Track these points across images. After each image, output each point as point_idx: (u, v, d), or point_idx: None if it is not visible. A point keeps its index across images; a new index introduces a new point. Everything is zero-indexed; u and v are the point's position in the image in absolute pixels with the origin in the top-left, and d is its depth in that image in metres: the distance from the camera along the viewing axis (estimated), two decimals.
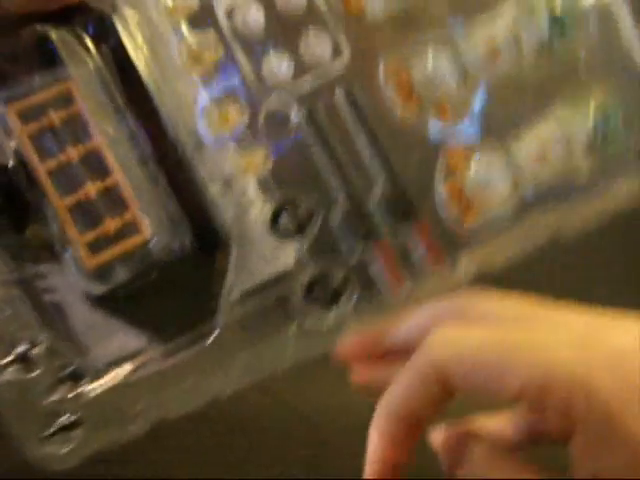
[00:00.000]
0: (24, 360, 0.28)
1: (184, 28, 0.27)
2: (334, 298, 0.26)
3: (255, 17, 0.27)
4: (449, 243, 0.26)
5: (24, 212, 0.28)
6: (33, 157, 0.27)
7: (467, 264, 0.26)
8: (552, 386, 0.17)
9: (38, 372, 0.27)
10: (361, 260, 0.26)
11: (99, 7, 0.28)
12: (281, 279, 0.27)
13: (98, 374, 0.28)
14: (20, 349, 0.27)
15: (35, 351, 0.27)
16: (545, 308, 0.20)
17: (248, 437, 0.27)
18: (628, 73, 0.25)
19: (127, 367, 0.28)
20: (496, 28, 0.26)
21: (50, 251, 0.28)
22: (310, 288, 0.27)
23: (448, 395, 0.20)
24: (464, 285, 0.26)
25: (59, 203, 0.27)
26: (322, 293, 0.27)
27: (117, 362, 0.28)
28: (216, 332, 0.28)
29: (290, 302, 0.27)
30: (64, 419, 0.27)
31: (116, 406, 0.28)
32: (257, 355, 0.27)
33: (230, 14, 0.27)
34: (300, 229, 0.27)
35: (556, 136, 0.25)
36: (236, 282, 0.28)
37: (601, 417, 0.17)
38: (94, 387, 0.27)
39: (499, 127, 0.26)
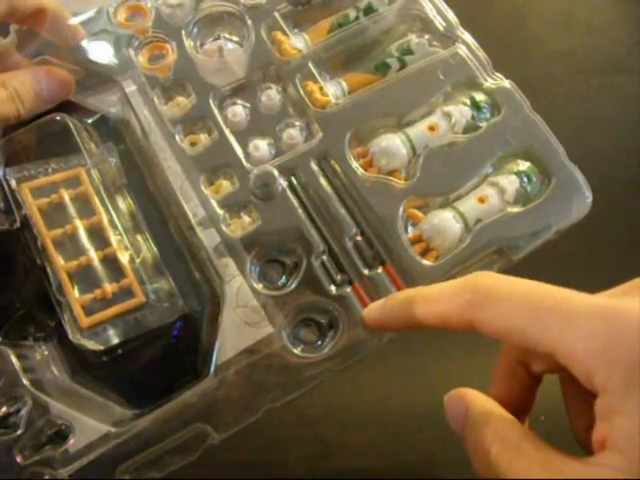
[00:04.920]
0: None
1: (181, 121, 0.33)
2: (322, 335, 0.29)
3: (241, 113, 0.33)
4: (416, 282, 0.30)
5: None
6: (41, 226, 0.30)
7: None
8: (577, 355, 0.18)
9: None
10: (343, 302, 0.29)
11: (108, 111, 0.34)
12: (269, 338, 0.29)
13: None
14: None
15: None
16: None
17: (249, 436, 0.27)
18: (537, 142, 0.32)
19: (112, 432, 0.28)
20: (433, 114, 0.33)
21: (37, 327, 0.30)
22: (298, 332, 0.30)
23: (469, 325, 0.20)
24: None
25: (61, 266, 0.29)
26: (310, 335, 0.29)
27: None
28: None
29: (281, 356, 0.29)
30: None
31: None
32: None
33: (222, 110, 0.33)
34: (287, 277, 0.30)
35: (491, 192, 0.31)
36: (225, 347, 0.29)
37: (621, 385, 0.18)
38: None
39: (442, 186, 0.32)
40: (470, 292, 0.21)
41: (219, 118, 0.32)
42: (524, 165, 0.32)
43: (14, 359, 0.28)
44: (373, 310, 0.26)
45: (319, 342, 0.29)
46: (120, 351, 0.29)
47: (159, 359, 0.30)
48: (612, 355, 0.18)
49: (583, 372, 0.19)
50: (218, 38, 0.35)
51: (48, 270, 0.29)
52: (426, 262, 0.30)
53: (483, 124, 0.32)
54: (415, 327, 0.23)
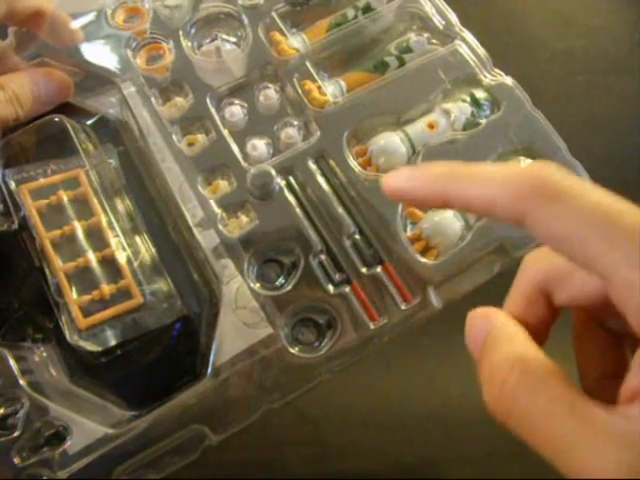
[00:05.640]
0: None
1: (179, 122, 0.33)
2: (321, 335, 0.29)
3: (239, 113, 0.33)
4: (416, 281, 0.29)
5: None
6: (39, 227, 0.30)
7: (434, 298, 0.29)
8: (626, 297, 0.16)
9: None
10: (342, 301, 0.29)
11: (106, 112, 0.34)
12: (268, 339, 0.29)
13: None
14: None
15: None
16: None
17: (248, 436, 0.27)
18: (539, 138, 0.32)
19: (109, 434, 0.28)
20: (432, 112, 0.33)
21: (36, 328, 0.30)
22: (297, 333, 0.29)
23: (519, 218, 0.17)
24: (434, 316, 0.29)
25: (59, 268, 0.29)
26: (309, 335, 0.29)
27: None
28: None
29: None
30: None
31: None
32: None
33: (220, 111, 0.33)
34: (285, 277, 0.30)
35: None
36: (224, 348, 0.29)
37: None
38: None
39: None
40: (533, 181, 0.17)
41: (217, 118, 0.32)
42: (526, 162, 0.31)
43: (12, 361, 0.28)
44: (398, 175, 0.20)
45: (317, 342, 0.29)
46: (118, 352, 0.29)
47: (157, 360, 0.29)
48: None
49: (638, 311, 0.16)
50: (215, 38, 0.35)
51: (46, 271, 0.29)
52: (425, 260, 0.30)
53: (483, 121, 0.32)
54: (447, 205, 0.19)
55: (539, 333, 0.20)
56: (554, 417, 0.16)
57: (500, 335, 0.18)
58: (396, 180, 0.20)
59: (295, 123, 0.33)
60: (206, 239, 0.31)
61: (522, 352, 0.18)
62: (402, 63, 0.34)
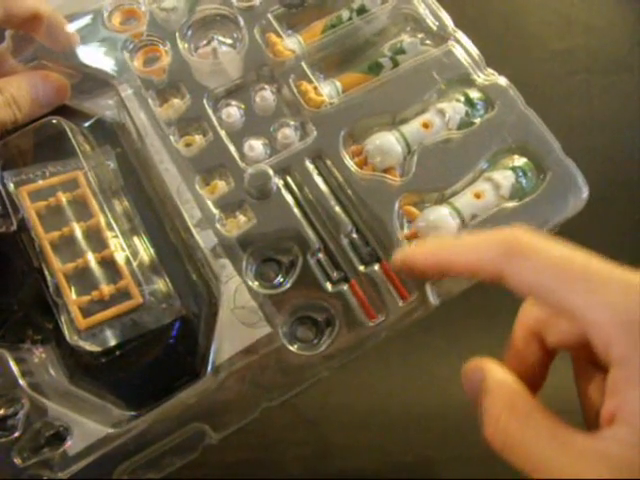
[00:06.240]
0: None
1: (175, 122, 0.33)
2: (319, 333, 0.29)
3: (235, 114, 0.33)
4: (413, 279, 0.30)
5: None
6: (38, 229, 0.30)
7: (432, 295, 0.29)
8: (600, 322, 0.18)
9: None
10: (340, 299, 0.29)
11: (104, 114, 0.34)
12: (266, 338, 0.29)
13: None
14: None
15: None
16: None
17: (247, 436, 0.27)
18: (532, 137, 0.32)
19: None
20: (427, 112, 0.33)
21: (35, 329, 0.30)
22: (295, 331, 0.30)
23: (499, 277, 0.20)
24: (430, 314, 0.29)
25: (59, 269, 0.29)
26: (307, 332, 0.29)
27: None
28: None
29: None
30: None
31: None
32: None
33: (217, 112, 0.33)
34: (284, 276, 0.30)
35: (486, 187, 0.31)
36: (223, 347, 0.29)
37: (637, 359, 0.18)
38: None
39: (438, 182, 0.32)
40: (507, 244, 0.21)
41: (214, 119, 0.33)
42: (519, 160, 0.32)
43: (12, 362, 0.28)
44: (405, 251, 0.25)
45: (316, 340, 0.29)
46: (118, 353, 0.29)
47: (157, 360, 0.29)
48: (637, 327, 0.18)
49: (603, 340, 0.18)
50: (212, 40, 0.35)
51: (45, 272, 0.29)
52: None
53: (477, 120, 0.32)
54: (443, 273, 0.23)
55: (537, 371, 0.23)
56: (540, 446, 0.19)
57: (492, 381, 0.21)
58: (403, 255, 0.24)
59: (292, 123, 0.33)
60: (204, 239, 0.31)
61: (510, 393, 0.20)
62: (396, 64, 0.34)
